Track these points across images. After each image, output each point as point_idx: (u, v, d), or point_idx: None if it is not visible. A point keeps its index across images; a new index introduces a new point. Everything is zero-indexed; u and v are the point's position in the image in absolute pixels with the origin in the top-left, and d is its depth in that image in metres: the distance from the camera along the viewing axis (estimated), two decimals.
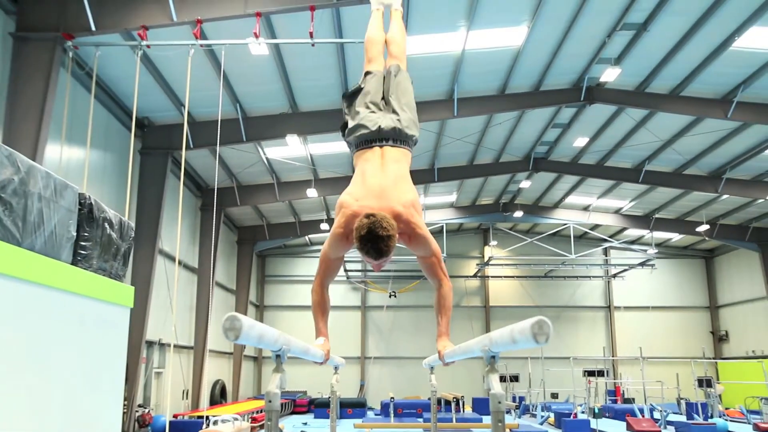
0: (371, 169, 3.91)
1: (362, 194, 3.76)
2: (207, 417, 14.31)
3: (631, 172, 21.78)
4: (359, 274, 30.70)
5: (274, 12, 11.13)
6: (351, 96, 4.33)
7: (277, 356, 2.52)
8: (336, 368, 5.10)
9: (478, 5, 12.56)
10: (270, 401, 2.24)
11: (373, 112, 4.13)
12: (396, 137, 4.04)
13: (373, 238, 3.36)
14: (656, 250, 29.03)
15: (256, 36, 10.71)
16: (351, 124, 4.17)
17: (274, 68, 14.15)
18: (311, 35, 10.60)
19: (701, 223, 25.93)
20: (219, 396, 22.80)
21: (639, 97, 16.76)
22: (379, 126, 4.04)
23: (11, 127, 9.71)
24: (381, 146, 4.01)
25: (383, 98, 4.21)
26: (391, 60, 4.51)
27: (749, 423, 20.21)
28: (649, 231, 27.42)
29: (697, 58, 14.84)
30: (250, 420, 16.31)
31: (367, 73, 4.38)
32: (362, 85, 4.31)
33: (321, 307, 3.87)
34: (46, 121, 9.89)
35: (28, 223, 4.88)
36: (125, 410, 12.81)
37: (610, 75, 15.32)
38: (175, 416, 16.63)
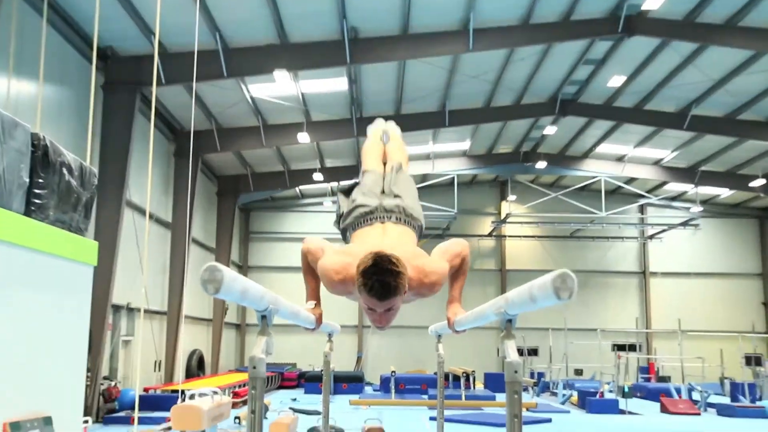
0: (371, 238, 3.86)
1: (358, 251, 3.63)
2: (182, 391, 14.44)
3: (674, 116, 21.65)
4: None
5: None
6: (347, 191, 4.36)
7: (263, 317, 2.52)
8: (330, 336, 5.13)
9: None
10: (254, 367, 2.25)
11: (372, 198, 4.14)
12: (399, 215, 3.99)
13: (379, 271, 3.18)
14: (701, 208, 29.04)
15: None
16: (347, 209, 4.17)
17: None
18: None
19: (756, 177, 25.87)
20: (196, 368, 23.05)
21: (687, 29, 16.53)
22: (381, 203, 4.02)
23: None
24: (383, 222, 3.96)
25: (383, 192, 4.20)
26: (391, 162, 4.53)
27: None
28: (693, 186, 27.37)
29: None
30: (231, 395, 16.53)
31: (364, 172, 4.41)
32: (359, 181, 4.35)
33: (310, 271, 3.89)
34: None
35: None
36: (89, 383, 12.95)
37: (653, 1, 15.12)
38: (145, 390, 16.84)
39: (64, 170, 6.50)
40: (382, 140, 4.68)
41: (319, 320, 3.73)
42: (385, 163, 4.48)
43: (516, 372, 2.06)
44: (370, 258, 3.20)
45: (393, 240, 3.76)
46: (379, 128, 4.83)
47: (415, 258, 3.59)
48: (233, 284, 2.05)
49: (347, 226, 4.13)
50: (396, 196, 4.11)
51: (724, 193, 29.59)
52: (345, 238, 4.22)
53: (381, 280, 3.16)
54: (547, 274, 1.85)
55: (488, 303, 2.66)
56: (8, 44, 10.74)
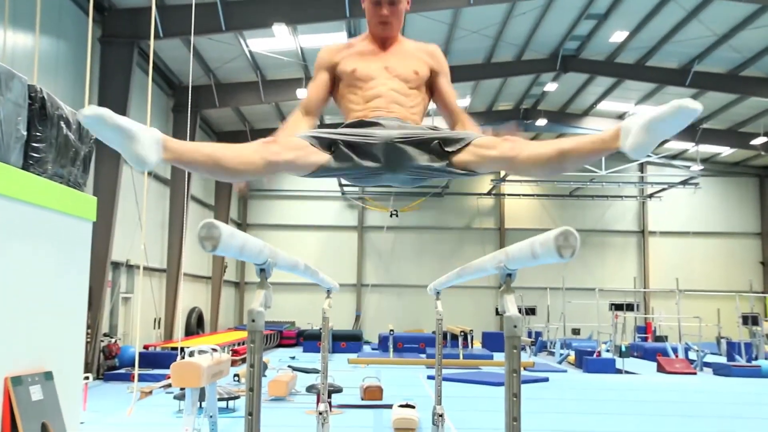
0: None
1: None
2: (182, 348, 14.55)
3: (676, 73, 21.54)
4: (356, 189, 30.80)
5: None
6: None
7: (262, 270, 2.52)
8: (329, 292, 5.12)
9: None
10: (254, 320, 2.25)
11: None
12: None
13: None
14: (701, 167, 28.96)
15: None
16: None
17: None
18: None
19: (758, 135, 25.83)
20: (195, 326, 23.22)
21: None
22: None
23: None
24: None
25: None
26: None
27: None
28: (694, 144, 27.31)
29: None
30: (230, 352, 16.67)
31: None
32: None
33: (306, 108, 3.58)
34: None
35: None
36: (89, 340, 13.04)
37: None
38: (145, 347, 16.98)
39: (62, 123, 6.47)
40: None
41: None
42: None
43: (515, 327, 2.05)
44: None
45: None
46: None
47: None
48: (231, 240, 2.03)
49: None
50: None
51: (725, 151, 29.56)
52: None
53: None
54: (550, 231, 1.84)
55: (488, 255, 2.65)
56: None
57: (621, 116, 26.49)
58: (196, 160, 2.68)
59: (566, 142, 2.69)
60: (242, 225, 30.87)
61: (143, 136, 2.41)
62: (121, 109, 14.96)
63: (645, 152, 2.51)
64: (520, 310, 2.21)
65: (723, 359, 21.85)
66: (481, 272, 2.88)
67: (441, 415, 5.35)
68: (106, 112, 2.26)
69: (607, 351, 22.76)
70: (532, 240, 1.99)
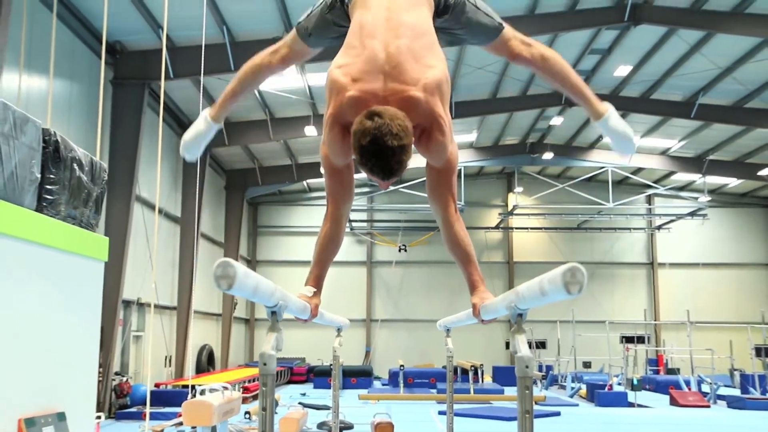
0: (373, 23, 3.07)
1: (360, 68, 2.97)
2: (193, 386, 14.53)
3: (681, 105, 21.57)
4: (365, 225, 30.83)
5: None
6: None
7: (273, 313, 2.53)
8: (339, 330, 5.12)
9: None
10: (265, 364, 2.26)
11: None
12: None
13: (378, 152, 2.65)
14: (709, 198, 28.97)
15: None
16: None
17: None
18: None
19: (764, 166, 25.82)
20: (206, 363, 23.15)
21: (694, 16, 16.46)
22: None
23: None
24: None
25: None
26: None
27: None
28: (701, 175, 27.29)
29: None
30: (241, 390, 16.60)
31: None
32: None
33: (326, 246, 3.21)
34: (1, 44, 9.83)
35: None
36: (101, 379, 13.00)
37: None
38: (156, 385, 16.91)
39: (75, 166, 6.53)
40: None
41: (314, 311, 3.08)
42: None
43: (527, 367, 2.05)
44: (368, 133, 2.65)
45: (404, 32, 3.00)
46: None
47: (435, 103, 2.94)
48: (246, 280, 2.05)
49: None
50: None
51: (732, 182, 29.50)
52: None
53: (382, 163, 2.70)
54: (557, 268, 1.84)
55: (499, 297, 2.64)
56: (19, 40, 10.77)
57: None
58: (233, 91, 3.77)
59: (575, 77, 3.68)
60: (251, 262, 30.86)
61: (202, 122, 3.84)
62: (132, 149, 15.10)
63: (613, 133, 3.66)
64: (530, 344, 2.22)
65: (737, 392, 21.61)
66: (493, 314, 2.87)
67: None
68: (185, 145, 3.75)
69: (619, 384, 22.54)
70: (541, 278, 1.99)
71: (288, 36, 3.50)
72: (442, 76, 2.98)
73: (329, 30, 3.47)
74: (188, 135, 3.73)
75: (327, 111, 3.06)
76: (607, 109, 3.60)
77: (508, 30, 3.44)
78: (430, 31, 3.11)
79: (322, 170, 3.25)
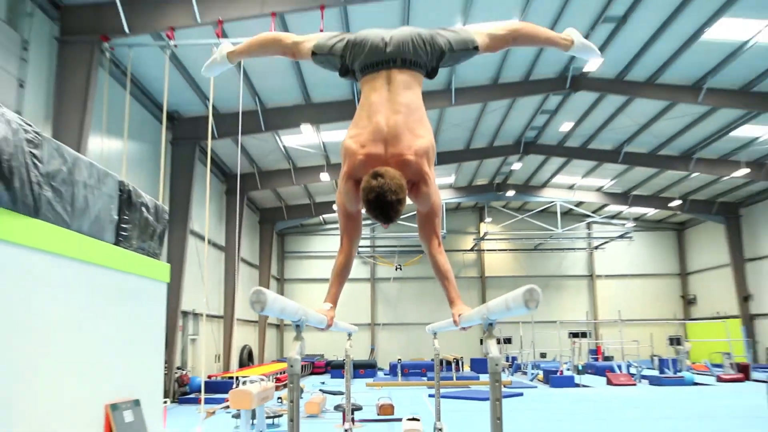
0: (377, 102, 3.13)
1: (368, 137, 3.05)
2: (237, 378, 14.46)
3: (611, 153, 21.66)
4: (368, 249, 30.78)
5: (288, 11, 11.10)
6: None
7: (297, 326, 2.54)
8: (350, 335, 5.13)
9: (472, 3, 12.47)
10: (292, 366, 2.27)
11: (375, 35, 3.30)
12: (406, 55, 3.18)
13: (381, 204, 2.80)
14: (633, 224, 29.01)
15: None
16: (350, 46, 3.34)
17: (288, 64, 14.09)
18: (321, 32, 10.55)
19: (674, 199, 25.88)
20: (247, 359, 22.98)
21: (618, 85, 16.63)
22: (388, 39, 3.21)
23: (59, 122, 9.77)
24: (388, 69, 3.18)
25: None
26: None
27: (713, 375, 20.59)
28: (627, 207, 27.36)
29: (671, 48, 14.70)
30: (274, 380, 16.46)
31: None
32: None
33: (341, 271, 3.24)
34: (88, 116, 9.93)
35: (76, 209, 4.91)
36: (166, 372, 12.95)
37: (592, 65, 15.21)
38: (209, 377, 16.81)
39: (143, 208, 6.54)
40: None
41: (330, 322, 3.11)
42: None
43: (497, 365, 2.06)
44: (374, 190, 2.79)
45: (401, 110, 3.07)
46: None
47: (423, 164, 3.03)
48: (274, 304, 2.08)
49: (354, 69, 3.33)
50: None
51: (650, 211, 29.51)
52: (354, 78, 3.40)
53: (384, 212, 2.84)
54: (519, 289, 1.86)
55: (475, 310, 2.65)
56: (102, 112, 10.86)
57: (571, 186, 26.57)
58: (249, 49, 3.59)
59: (528, 26, 3.48)
60: (280, 280, 30.75)
61: (218, 56, 3.66)
62: (187, 194, 15.12)
63: (583, 53, 3.53)
64: (498, 341, 2.22)
65: (656, 373, 21.50)
66: (470, 322, 2.88)
67: (440, 429, 5.27)
68: (205, 69, 3.76)
69: (568, 370, 22.35)
70: (506, 296, 2.00)
71: (305, 42, 3.45)
72: (429, 144, 3.10)
73: (331, 67, 3.43)
74: (207, 63, 3.73)
75: (342, 169, 3.15)
76: (572, 39, 3.51)
77: (481, 41, 3.34)
78: (421, 107, 3.20)
79: (336, 214, 3.31)
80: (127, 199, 6.13)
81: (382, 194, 2.79)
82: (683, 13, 13.01)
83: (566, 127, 20.03)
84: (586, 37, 14.43)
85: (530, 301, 1.82)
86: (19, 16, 9.40)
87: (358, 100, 3.40)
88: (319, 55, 3.40)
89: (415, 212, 3.25)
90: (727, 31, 13.59)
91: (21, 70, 9.34)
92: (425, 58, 3.24)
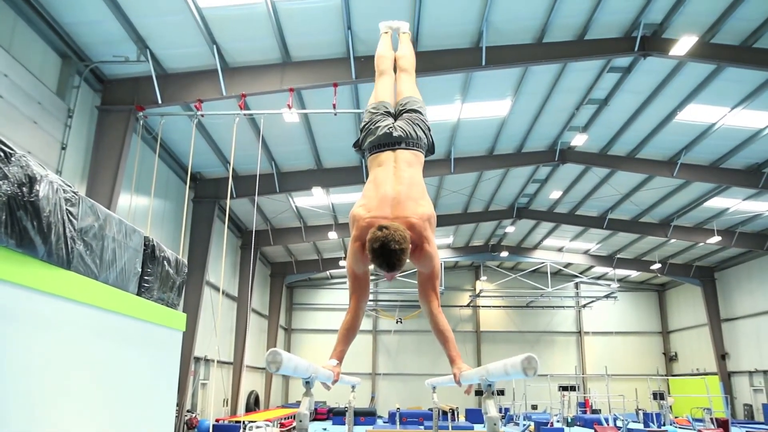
0: (384, 176, 3.24)
1: (375, 204, 3.11)
2: (243, 422, 14.11)
3: (597, 219, 21.71)
4: (371, 303, 30.51)
5: (305, 88, 11.39)
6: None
7: (307, 382, 2.50)
8: (353, 387, 5.02)
9: (470, 83, 12.75)
10: (300, 421, 2.23)
11: (384, 120, 3.54)
12: (408, 138, 3.38)
13: (386, 252, 2.80)
14: (618, 285, 28.77)
15: (289, 107, 10.89)
16: (364, 134, 3.58)
17: (303, 132, 14.32)
18: (334, 106, 10.78)
19: (654, 263, 25.75)
20: (253, 404, 22.48)
21: (602, 159, 16.86)
22: (392, 126, 3.43)
23: (93, 181, 9.89)
24: (393, 149, 3.33)
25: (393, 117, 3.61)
26: (401, 74, 3.90)
27: (694, 429, 20.08)
28: (612, 268, 27.20)
29: (648, 127, 15.02)
30: (279, 425, 16.07)
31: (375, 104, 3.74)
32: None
33: (348, 330, 3.18)
34: (120, 176, 10.06)
35: (104, 261, 4.92)
36: (177, 414, 12.65)
37: (578, 140, 15.42)
38: (217, 420, 16.40)
39: (165, 262, 6.55)
40: (392, 48, 3.99)
41: (336, 377, 3.08)
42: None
43: (495, 425, 2.01)
44: (378, 240, 2.80)
45: (404, 182, 3.19)
46: (389, 32, 4.10)
47: (425, 228, 3.09)
48: (288, 363, 2.06)
49: (364, 148, 3.52)
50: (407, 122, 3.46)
51: (633, 273, 29.30)
52: (363, 155, 3.59)
53: (388, 260, 2.82)
54: (518, 356, 1.83)
55: (474, 370, 2.60)
56: (132, 173, 10.99)
57: (560, 249, 26.52)
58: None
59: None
60: (288, 330, 30.38)
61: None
62: (205, 248, 15.10)
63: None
64: (492, 393, 2.17)
65: (641, 426, 20.94)
66: (469, 381, 2.82)
67: None
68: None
69: (558, 421, 21.77)
70: (505, 362, 1.97)
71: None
72: (430, 212, 3.19)
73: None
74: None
75: (352, 234, 3.17)
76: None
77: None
78: (422, 183, 3.35)
79: (347, 276, 3.31)
80: (150, 253, 6.14)
81: (386, 243, 2.79)
82: (657, 97, 13.45)
83: (555, 194, 20.13)
84: (572, 116, 14.74)
85: (528, 368, 1.80)
86: (67, 89, 9.68)
87: (365, 167, 3.51)
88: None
89: (415, 270, 3.24)
90: (696, 114, 13.99)
91: (64, 135, 9.53)
92: (425, 141, 3.51)
